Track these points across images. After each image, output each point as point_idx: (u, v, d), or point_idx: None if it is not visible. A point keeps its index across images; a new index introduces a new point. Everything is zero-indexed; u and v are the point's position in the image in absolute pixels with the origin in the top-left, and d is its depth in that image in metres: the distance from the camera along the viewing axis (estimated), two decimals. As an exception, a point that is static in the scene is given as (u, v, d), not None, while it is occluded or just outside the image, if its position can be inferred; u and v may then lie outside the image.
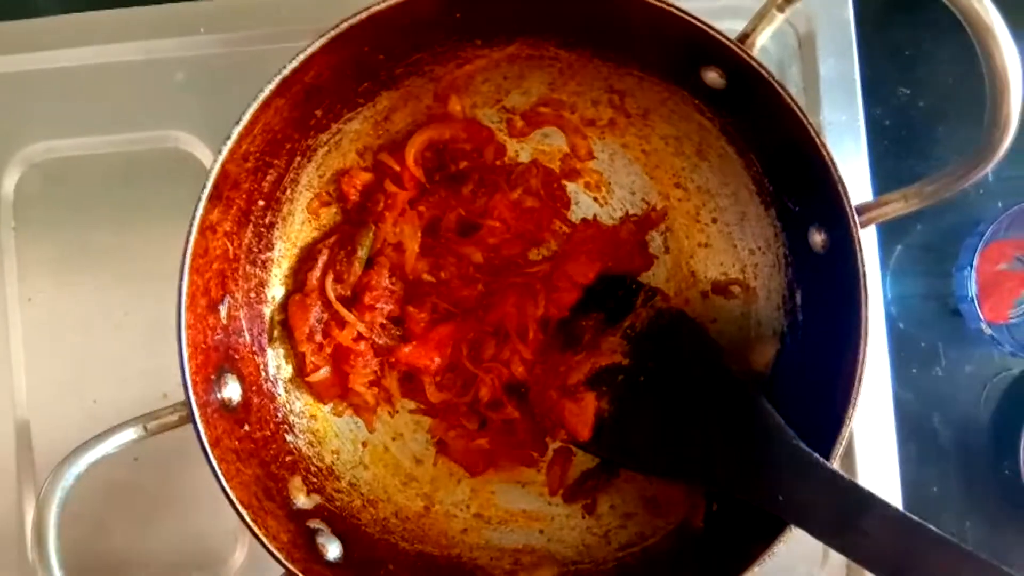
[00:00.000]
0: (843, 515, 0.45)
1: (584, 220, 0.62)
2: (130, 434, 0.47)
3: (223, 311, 0.52)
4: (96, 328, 0.66)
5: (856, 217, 0.46)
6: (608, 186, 0.62)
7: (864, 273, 0.46)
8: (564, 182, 0.62)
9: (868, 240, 0.59)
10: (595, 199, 0.62)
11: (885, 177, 0.64)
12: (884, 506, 0.44)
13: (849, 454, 0.62)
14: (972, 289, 0.62)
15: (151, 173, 0.66)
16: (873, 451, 0.62)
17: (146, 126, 0.66)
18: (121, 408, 0.64)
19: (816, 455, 0.46)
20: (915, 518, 0.43)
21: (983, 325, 0.62)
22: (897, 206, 0.47)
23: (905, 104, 0.68)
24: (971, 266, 0.61)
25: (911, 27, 0.68)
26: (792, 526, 0.46)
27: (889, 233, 0.66)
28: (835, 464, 0.47)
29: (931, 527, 0.43)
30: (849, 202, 0.46)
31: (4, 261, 0.66)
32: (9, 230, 0.67)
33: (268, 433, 0.55)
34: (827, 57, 0.63)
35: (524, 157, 0.62)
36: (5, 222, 0.67)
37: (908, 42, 0.68)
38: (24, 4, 0.69)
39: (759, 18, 0.47)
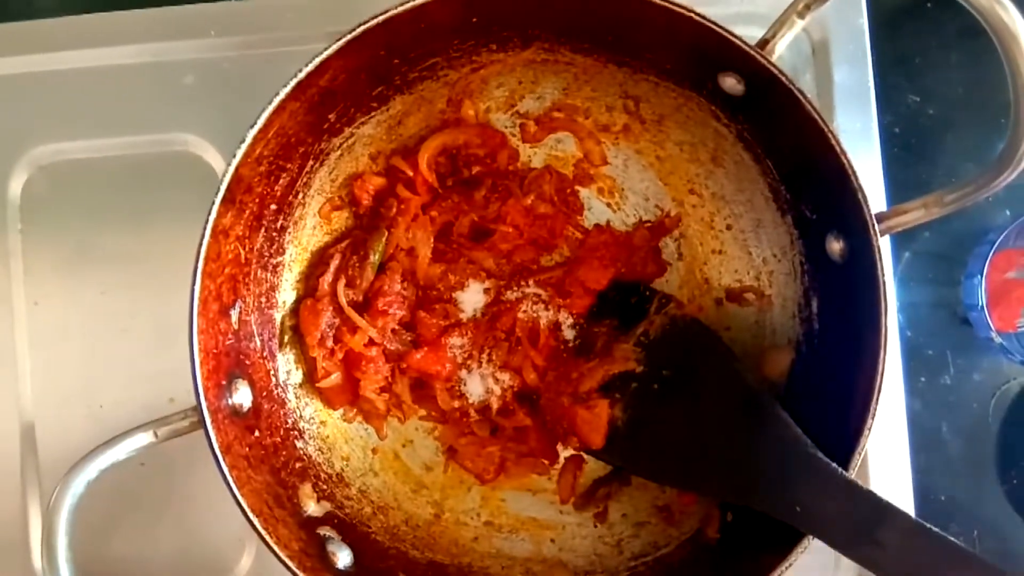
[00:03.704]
0: (861, 526, 0.44)
1: (597, 226, 0.61)
2: (141, 440, 0.46)
3: (234, 316, 0.52)
4: (102, 332, 0.65)
5: (876, 226, 0.45)
6: (621, 192, 0.61)
7: (884, 282, 0.45)
8: (577, 188, 0.61)
9: (884, 248, 0.59)
10: (608, 205, 0.62)
11: (895, 184, 0.63)
12: (902, 516, 0.44)
13: (862, 463, 0.62)
14: (982, 298, 0.62)
15: (159, 176, 0.66)
16: (886, 460, 0.62)
17: (155, 129, 0.66)
18: (127, 412, 0.64)
19: (834, 465, 0.46)
20: (933, 529, 0.43)
21: (993, 334, 0.62)
22: (917, 215, 0.47)
23: (915, 111, 0.67)
24: (981, 275, 0.61)
25: (921, 35, 0.68)
26: (809, 537, 0.46)
27: (897, 240, 0.66)
28: (853, 474, 0.46)
29: (950, 538, 0.43)
30: (870, 211, 0.45)
31: (11, 264, 0.66)
32: (16, 233, 0.66)
33: (278, 439, 0.55)
34: (841, 64, 0.63)
35: (537, 162, 0.61)
36: (12, 225, 0.66)
37: (918, 50, 0.68)
38: (33, 6, 0.69)
39: (779, 24, 0.47)
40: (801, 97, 0.45)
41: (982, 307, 0.62)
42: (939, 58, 0.68)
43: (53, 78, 0.66)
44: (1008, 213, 0.66)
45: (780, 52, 0.47)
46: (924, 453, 0.65)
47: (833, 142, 0.45)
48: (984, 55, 0.65)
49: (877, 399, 0.46)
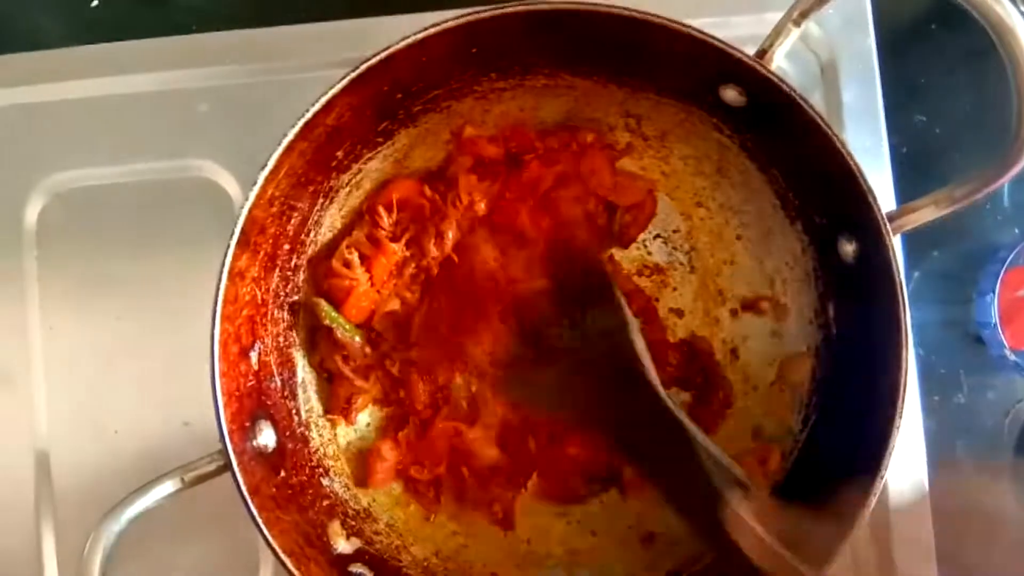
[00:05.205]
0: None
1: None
2: (168, 487, 0.46)
3: (254, 357, 0.52)
4: (117, 357, 0.65)
5: (888, 224, 0.45)
6: (629, 210, 0.62)
7: (900, 280, 0.45)
8: (585, 208, 0.62)
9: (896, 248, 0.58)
10: (615, 223, 0.62)
11: (905, 202, 0.63)
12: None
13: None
14: (995, 316, 0.62)
15: (174, 202, 0.66)
16: (903, 479, 0.60)
17: (170, 155, 0.66)
18: (142, 438, 0.64)
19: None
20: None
21: (1006, 351, 0.62)
22: (927, 211, 0.47)
23: (922, 131, 0.67)
24: (993, 292, 0.61)
25: (927, 55, 0.68)
26: (845, 550, 0.45)
27: (908, 260, 0.65)
28: (880, 484, 0.46)
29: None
30: (880, 209, 0.45)
31: (27, 289, 0.66)
32: (32, 259, 0.66)
33: (304, 478, 0.55)
34: (849, 85, 0.63)
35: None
36: (28, 251, 0.66)
37: (924, 70, 0.68)
38: (49, 36, 0.69)
39: (776, 33, 0.47)
40: (801, 101, 0.46)
41: (995, 325, 0.61)
42: (945, 78, 0.68)
43: (70, 106, 0.67)
44: (1017, 231, 0.66)
45: (779, 61, 0.48)
46: (940, 471, 0.64)
47: (838, 144, 0.46)
48: (990, 75, 0.65)
49: (903, 396, 0.46)
